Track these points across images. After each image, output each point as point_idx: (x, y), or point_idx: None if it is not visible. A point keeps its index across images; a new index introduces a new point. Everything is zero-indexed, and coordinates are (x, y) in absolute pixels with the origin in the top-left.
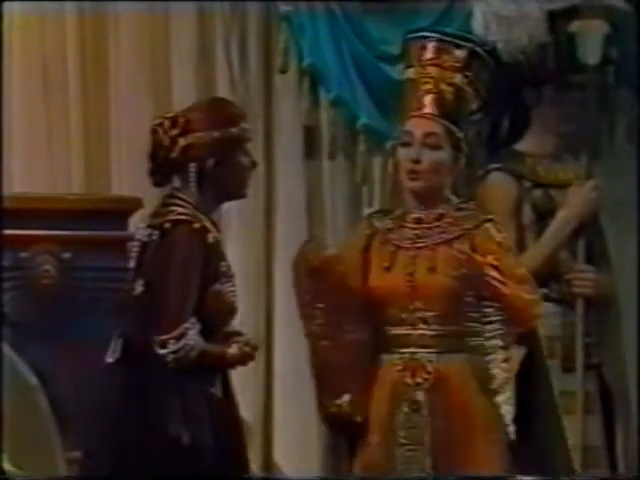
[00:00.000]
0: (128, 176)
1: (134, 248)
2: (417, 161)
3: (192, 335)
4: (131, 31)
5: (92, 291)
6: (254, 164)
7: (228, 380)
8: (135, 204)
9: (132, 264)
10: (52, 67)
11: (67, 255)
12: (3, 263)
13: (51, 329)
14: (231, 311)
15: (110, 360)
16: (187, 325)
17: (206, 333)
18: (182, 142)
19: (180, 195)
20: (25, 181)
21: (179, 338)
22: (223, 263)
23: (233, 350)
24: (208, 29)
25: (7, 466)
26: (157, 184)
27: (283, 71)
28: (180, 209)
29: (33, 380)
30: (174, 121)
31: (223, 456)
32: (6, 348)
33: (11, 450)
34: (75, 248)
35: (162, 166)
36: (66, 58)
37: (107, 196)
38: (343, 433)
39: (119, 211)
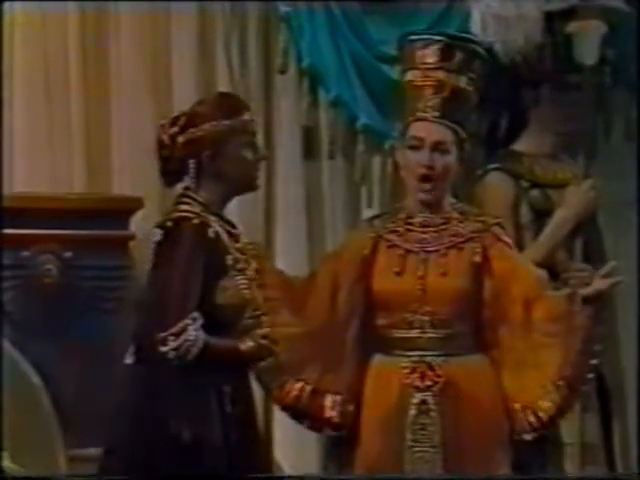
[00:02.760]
0: (129, 175)
1: (151, 250)
2: (430, 167)
3: (192, 330)
4: (132, 31)
5: (93, 290)
6: (259, 156)
7: (246, 377)
8: (136, 203)
9: (148, 266)
10: (53, 67)
11: (69, 254)
12: (5, 262)
13: (53, 328)
14: (242, 305)
15: (129, 361)
16: (187, 321)
17: (218, 329)
18: (181, 139)
19: (189, 194)
20: (27, 180)
21: (179, 334)
22: (230, 257)
23: (247, 344)
24: (208, 29)
25: (8, 464)
26: (167, 184)
27: (283, 71)
28: (185, 207)
29: (35, 378)
30: (175, 120)
31: (234, 454)
32: (8, 346)
33: (12, 448)
34: (76, 247)
35: (167, 165)
36: (67, 57)
37: (108, 195)
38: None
39: (120, 210)
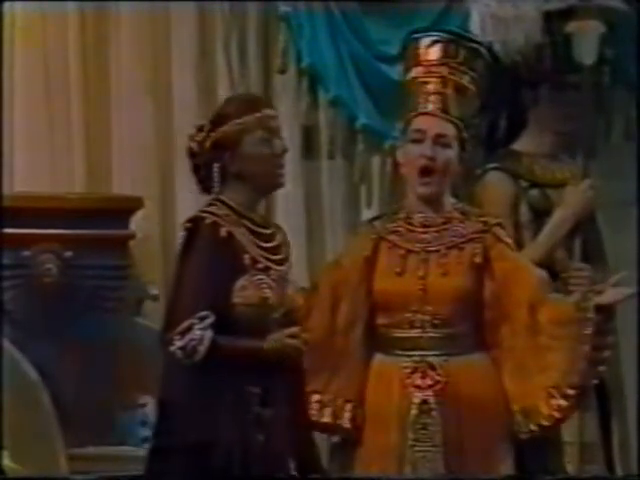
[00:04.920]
0: (129, 175)
1: None
2: (432, 158)
3: (198, 330)
4: (132, 31)
5: (94, 289)
6: (278, 151)
7: (280, 377)
8: (136, 203)
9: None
10: (53, 67)
11: (69, 254)
12: (5, 262)
13: (53, 327)
14: (264, 304)
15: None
16: (192, 320)
17: (236, 328)
18: (207, 144)
19: (220, 197)
20: (27, 180)
21: (184, 333)
22: (247, 256)
23: (270, 343)
24: (208, 30)
25: (8, 463)
26: (205, 191)
27: (282, 71)
28: (208, 208)
29: (34, 377)
30: (200, 127)
31: (263, 455)
32: (8, 346)
33: (12, 447)
34: (77, 247)
35: (199, 173)
36: (67, 58)
37: (108, 195)
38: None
39: (120, 210)
